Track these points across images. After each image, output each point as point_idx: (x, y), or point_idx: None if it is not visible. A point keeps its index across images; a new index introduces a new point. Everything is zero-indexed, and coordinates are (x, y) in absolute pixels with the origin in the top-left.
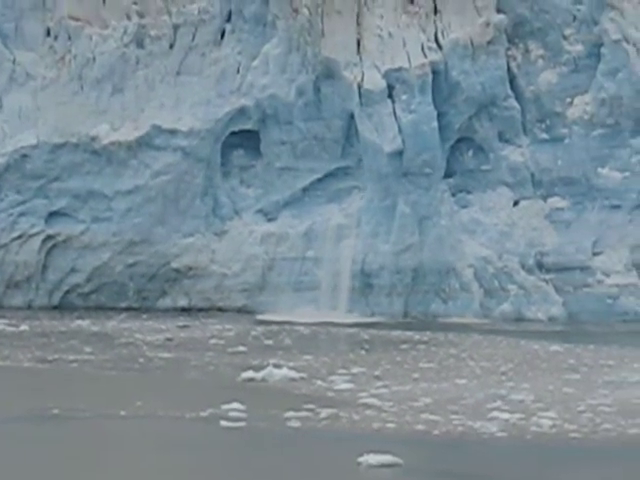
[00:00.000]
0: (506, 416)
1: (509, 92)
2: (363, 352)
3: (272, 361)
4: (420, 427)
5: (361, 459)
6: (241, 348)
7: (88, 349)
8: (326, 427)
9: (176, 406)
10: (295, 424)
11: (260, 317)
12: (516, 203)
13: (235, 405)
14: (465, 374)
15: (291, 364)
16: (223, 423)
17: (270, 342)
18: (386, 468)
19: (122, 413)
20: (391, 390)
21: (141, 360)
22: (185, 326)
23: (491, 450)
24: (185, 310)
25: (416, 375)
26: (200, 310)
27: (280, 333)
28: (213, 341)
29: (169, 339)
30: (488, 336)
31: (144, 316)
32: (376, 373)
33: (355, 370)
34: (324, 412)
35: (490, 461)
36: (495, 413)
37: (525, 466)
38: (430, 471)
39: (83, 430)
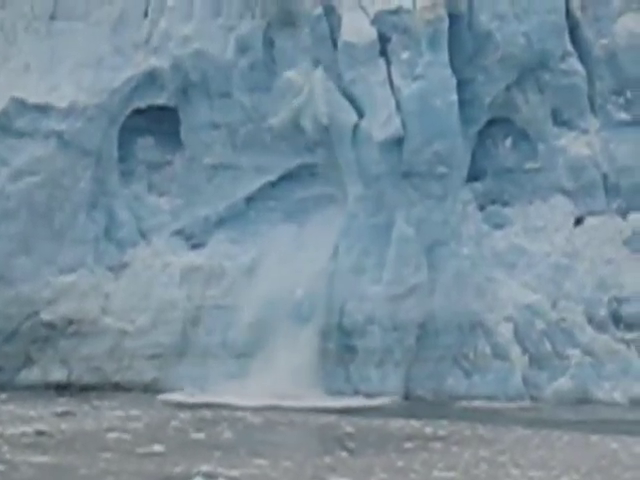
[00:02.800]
0: None
1: (569, 48)
2: (345, 454)
3: (204, 468)
4: None
5: None
6: (156, 447)
7: None
8: None
9: None
10: None
11: (180, 398)
12: (580, 221)
13: None
14: None
15: (234, 473)
16: None
17: (201, 437)
18: None
19: None
20: None
21: (0, 467)
22: (66, 413)
23: None
24: (62, 387)
25: None
26: (85, 388)
27: (216, 423)
28: (112, 436)
29: (42, 433)
30: (539, 430)
31: (2, 396)
32: None
33: None
34: None
35: None
36: None
37: None
38: None
39: None
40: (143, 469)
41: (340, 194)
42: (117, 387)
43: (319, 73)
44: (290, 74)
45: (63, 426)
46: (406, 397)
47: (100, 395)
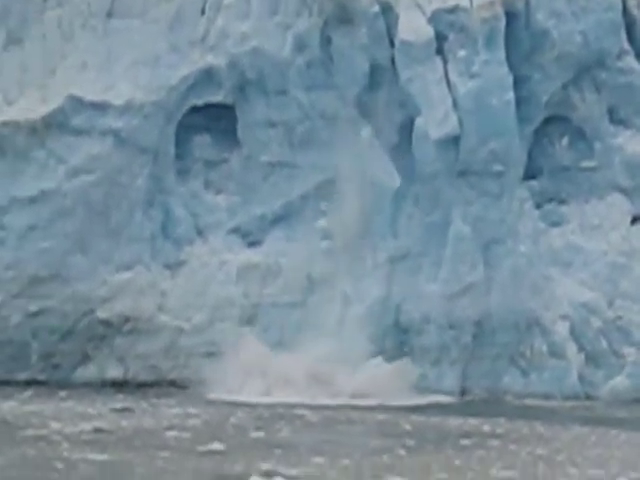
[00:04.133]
0: None
1: (626, 46)
2: (403, 452)
3: (263, 466)
4: None
5: None
6: (216, 446)
7: None
8: None
9: None
10: None
11: (239, 396)
12: (636, 219)
13: None
14: None
15: (293, 472)
16: None
17: (260, 435)
18: None
19: None
20: None
21: (59, 465)
22: (125, 409)
23: None
24: (118, 384)
25: None
26: (142, 385)
27: (274, 421)
28: (171, 434)
29: (101, 430)
30: (595, 428)
31: (61, 394)
32: None
33: None
34: None
35: None
36: None
37: None
38: None
39: None
40: (202, 467)
41: (396, 192)
42: (173, 384)
43: (366, 132)
44: None
45: (122, 423)
46: (462, 395)
47: (157, 392)
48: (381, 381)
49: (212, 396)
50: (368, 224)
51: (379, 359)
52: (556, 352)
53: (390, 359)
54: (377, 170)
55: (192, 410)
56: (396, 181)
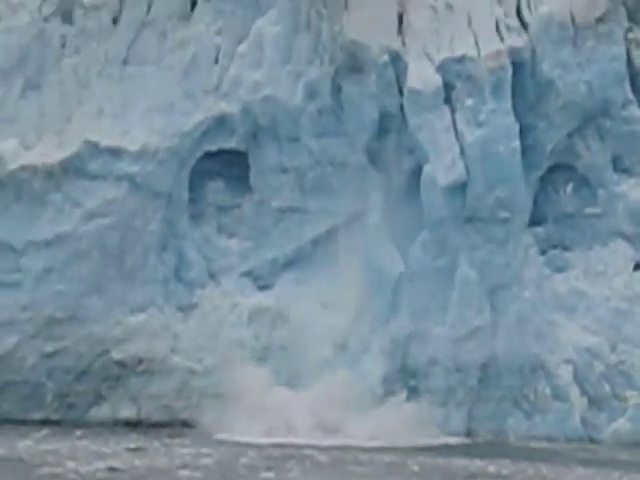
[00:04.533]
0: None
1: (630, 96)
2: None
3: None
4: None
5: None
6: None
7: None
8: None
9: None
10: None
11: (249, 437)
12: (639, 266)
13: None
14: None
15: None
16: None
17: (270, 475)
18: None
19: None
20: None
21: None
22: (138, 449)
23: None
24: (132, 424)
25: None
26: (155, 425)
27: (284, 461)
28: (184, 473)
29: (115, 469)
30: (599, 470)
31: (76, 433)
32: None
33: None
34: None
35: None
36: None
37: None
38: None
39: None
40: None
41: (405, 239)
42: (185, 424)
43: (375, 218)
44: None
45: (135, 462)
46: (468, 436)
47: (169, 432)
48: (392, 425)
49: (223, 436)
50: (367, 305)
51: (390, 403)
52: (560, 395)
53: (398, 402)
54: (381, 256)
55: (204, 450)
56: (399, 268)
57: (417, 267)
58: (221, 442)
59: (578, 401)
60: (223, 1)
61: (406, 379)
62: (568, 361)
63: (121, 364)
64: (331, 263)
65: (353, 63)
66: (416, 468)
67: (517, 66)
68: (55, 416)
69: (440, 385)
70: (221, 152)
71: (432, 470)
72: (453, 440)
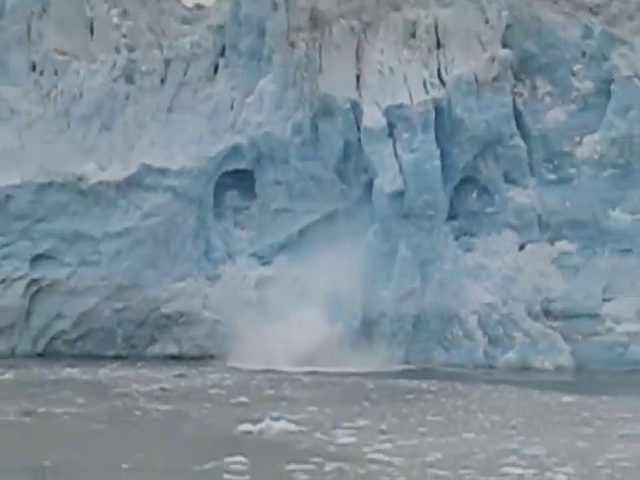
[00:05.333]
0: (519, 471)
1: (515, 130)
2: (367, 403)
3: (274, 413)
4: None
5: None
6: (242, 399)
7: (80, 400)
8: None
9: (178, 459)
10: (301, 477)
11: (257, 366)
12: (522, 247)
13: (238, 458)
14: (474, 427)
15: (294, 417)
16: (226, 477)
17: (271, 392)
18: None
19: (124, 466)
20: (398, 444)
21: (138, 413)
22: (182, 375)
23: None
24: (175, 358)
25: (423, 429)
26: (192, 358)
27: (281, 383)
28: (213, 391)
29: (165, 389)
30: (497, 386)
31: (139, 364)
32: (382, 427)
33: (361, 423)
34: (328, 466)
35: None
36: (508, 469)
37: None
38: None
39: None
40: (233, 414)
41: (362, 228)
42: (213, 358)
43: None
44: None
45: (179, 384)
46: (407, 364)
47: (202, 363)
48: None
49: (238, 365)
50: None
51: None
52: (468, 336)
53: (359, 341)
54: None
55: (226, 375)
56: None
57: (370, 249)
58: (237, 369)
59: (481, 340)
60: (237, 67)
61: (364, 326)
62: (474, 312)
63: (168, 317)
64: (312, 247)
65: (326, 109)
66: (371, 386)
67: (438, 111)
68: (123, 353)
69: (386, 330)
70: (235, 171)
71: (382, 387)
72: (396, 368)
